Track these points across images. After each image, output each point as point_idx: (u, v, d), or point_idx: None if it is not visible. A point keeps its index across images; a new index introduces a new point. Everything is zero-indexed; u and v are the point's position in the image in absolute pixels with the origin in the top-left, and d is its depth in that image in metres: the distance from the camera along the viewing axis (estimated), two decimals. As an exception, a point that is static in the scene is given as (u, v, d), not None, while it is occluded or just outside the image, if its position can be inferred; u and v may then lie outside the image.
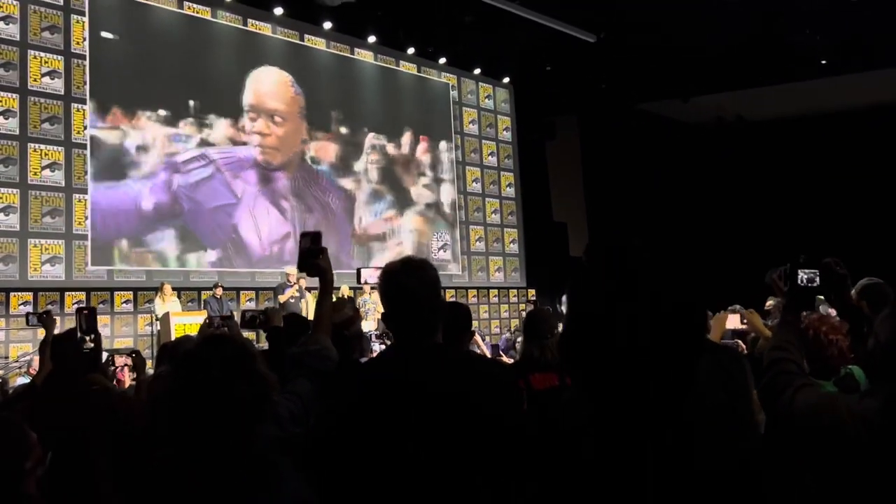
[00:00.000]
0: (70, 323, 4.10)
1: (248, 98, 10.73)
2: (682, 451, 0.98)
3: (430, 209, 12.96)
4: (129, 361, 3.83)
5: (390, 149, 12.53)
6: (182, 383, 1.44)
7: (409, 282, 1.66)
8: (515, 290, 14.06)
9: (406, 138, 12.78)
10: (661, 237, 12.43)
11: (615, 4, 10.61)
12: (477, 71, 14.03)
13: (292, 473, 1.42)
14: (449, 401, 1.52)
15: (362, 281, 2.92)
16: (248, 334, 8.06)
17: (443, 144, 13.36)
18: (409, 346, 1.67)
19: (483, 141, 14.19)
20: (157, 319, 8.76)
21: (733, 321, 3.28)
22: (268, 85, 11.03)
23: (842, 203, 13.21)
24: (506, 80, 14.61)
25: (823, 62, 12.16)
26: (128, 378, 4.31)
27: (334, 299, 2.17)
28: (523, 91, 14.68)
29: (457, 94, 13.82)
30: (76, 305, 8.37)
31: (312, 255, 2.02)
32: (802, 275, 1.72)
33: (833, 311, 2.38)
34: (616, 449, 1.01)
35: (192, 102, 10.09)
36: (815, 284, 1.72)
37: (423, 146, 13.01)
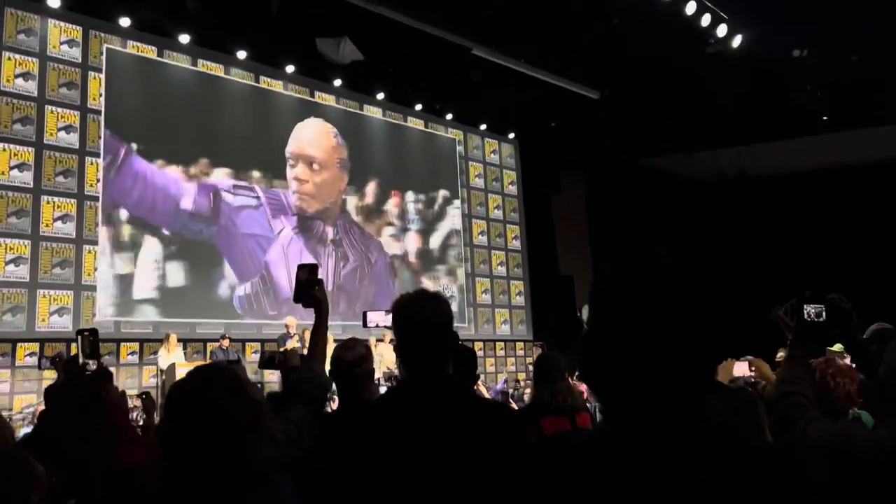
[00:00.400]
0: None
1: (289, 146, 11.25)
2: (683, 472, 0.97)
3: (419, 258, 13.03)
4: (139, 403, 3.83)
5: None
6: (176, 408, 1.46)
7: (423, 312, 1.69)
8: (522, 343, 13.99)
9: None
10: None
11: (618, 62, 10.86)
12: (483, 126, 14.30)
13: (292, 493, 1.43)
14: (462, 429, 1.53)
15: (369, 323, 2.93)
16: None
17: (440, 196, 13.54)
18: (422, 376, 1.69)
19: (489, 194, 14.36)
20: (161, 372, 8.73)
21: (741, 369, 3.26)
22: (309, 133, 11.49)
23: (845, 258, 13.20)
24: (511, 135, 14.87)
25: (825, 118, 12.35)
26: (140, 420, 4.29)
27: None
28: (529, 146, 14.92)
29: (463, 148, 14.04)
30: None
31: (309, 286, 2.06)
32: (809, 310, 1.73)
33: (848, 359, 2.37)
34: (618, 461, 1.00)
35: (204, 159, 10.29)
36: (822, 319, 1.73)
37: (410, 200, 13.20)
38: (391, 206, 12.59)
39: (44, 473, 1.73)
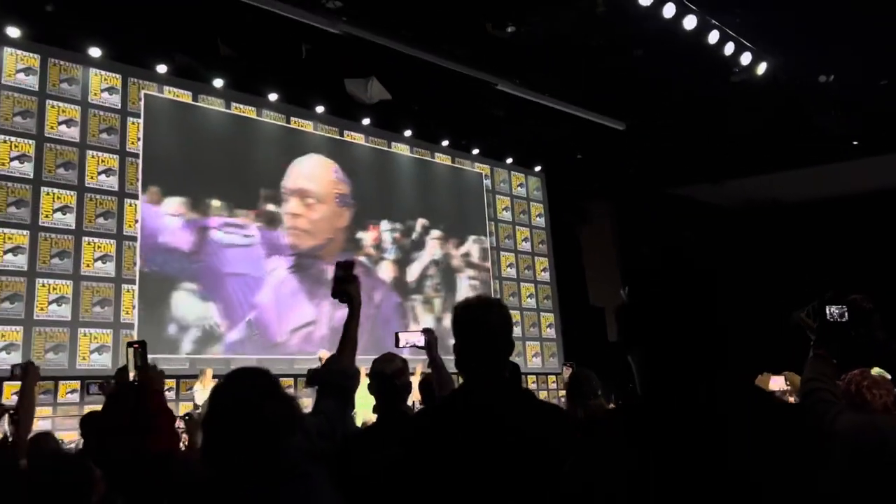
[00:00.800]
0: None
1: (285, 180, 11.18)
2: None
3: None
4: (182, 425, 3.96)
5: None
6: (215, 407, 1.56)
7: (486, 316, 1.74)
8: (554, 376, 13.88)
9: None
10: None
11: (642, 93, 10.96)
12: (509, 160, 14.45)
13: (326, 483, 1.49)
14: (520, 433, 1.58)
15: (402, 344, 3.00)
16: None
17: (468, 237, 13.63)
18: (482, 381, 1.73)
19: (517, 227, 14.44)
20: (196, 408, 8.85)
21: (777, 383, 3.26)
22: (307, 168, 11.49)
23: (879, 285, 12.93)
24: (538, 168, 14.99)
25: (855, 143, 12.27)
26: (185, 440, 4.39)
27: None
28: (555, 178, 15.01)
29: (490, 182, 14.19)
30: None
31: (344, 283, 2.14)
32: (832, 310, 1.77)
33: (888, 376, 2.37)
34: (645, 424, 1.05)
35: (232, 193, 10.55)
36: (844, 319, 1.77)
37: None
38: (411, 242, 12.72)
39: (100, 476, 1.83)
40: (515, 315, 13.78)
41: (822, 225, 14.05)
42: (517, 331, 13.61)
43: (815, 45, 9.28)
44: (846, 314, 1.78)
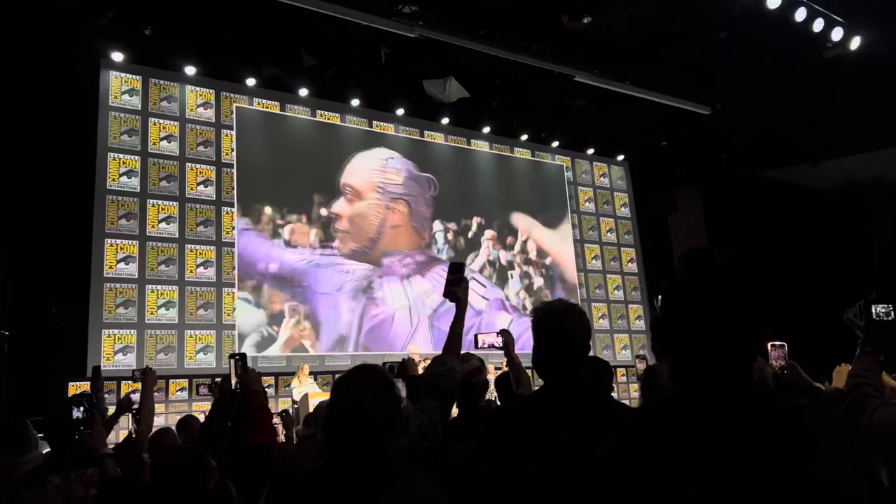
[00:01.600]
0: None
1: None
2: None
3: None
4: (279, 420, 4.31)
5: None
6: (334, 403, 1.74)
7: (568, 323, 1.84)
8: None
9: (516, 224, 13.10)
10: (794, 308, 11.77)
11: (728, 75, 10.60)
12: (590, 151, 14.28)
13: (421, 478, 1.63)
14: (596, 433, 1.66)
15: (480, 345, 3.11)
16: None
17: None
18: (560, 382, 1.83)
19: (601, 218, 14.26)
20: (294, 402, 9.27)
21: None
22: (360, 162, 11.50)
23: None
24: (620, 157, 14.74)
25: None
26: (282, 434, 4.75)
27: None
28: (640, 167, 14.72)
29: (571, 174, 14.08)
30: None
31: (453, 284, 2.29)
32: (878, 309, 1.81)
33: None
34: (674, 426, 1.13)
35: (317, 197, 10.96)
36: (890, 318, 1.80)
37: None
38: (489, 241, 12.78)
39: (215, 466, 2.08)
40: (602, 307, 13.73)
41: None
42: (604, 323, 13.49)
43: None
44: (892, 313, 1.83)
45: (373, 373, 1.76)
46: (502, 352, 3.07)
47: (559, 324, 1.86)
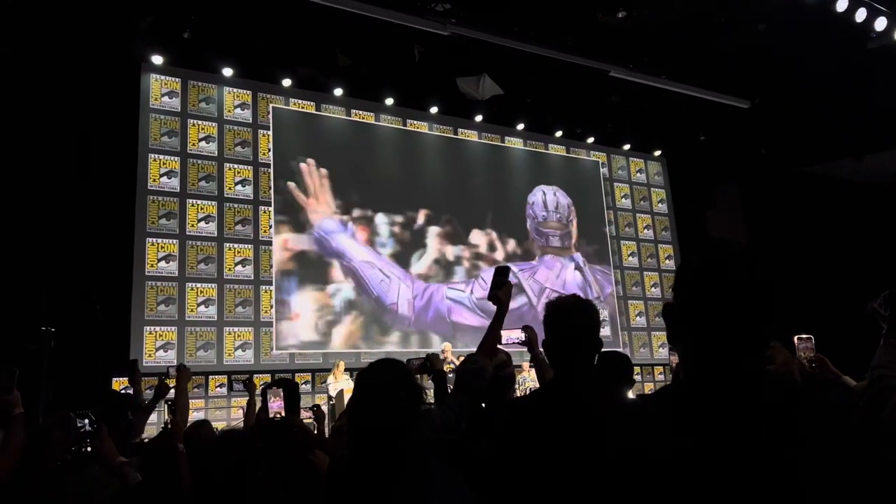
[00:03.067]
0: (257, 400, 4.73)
1: None
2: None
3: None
4: (311, 415, 4.44)
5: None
6: (356, 395, 1.80)
7: (569, 318, 1.87)
8: (682, 367, 13.45)
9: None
10: (839, 306, 11.49)
11: (768, 68, 10.39)
12: (627, 146, 14.13)
13: (442, 468, 1.65)
14: (601, 425, 1.67)
15: (504, 341, 3.12)
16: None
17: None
18: (568, 375, 1.85)
19: (637, 214, 14.11)
20: (330, 398, 9.39)
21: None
22: None
23: None
24: (657, 152, 14.55)
25: None
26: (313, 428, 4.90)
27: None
28: (677, 162, 14.51)
29: (607, 170, 13.95)
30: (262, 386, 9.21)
31: (498, 287, 2.33)
32: None
33: None
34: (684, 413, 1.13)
35: (356, 197, 11.07)
36: None
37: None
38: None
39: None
40: (639, 305, 13.58)
41: None
42: (641, 321, 13.34)
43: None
44: None
45: (393, 365, 1.80)
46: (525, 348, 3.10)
47: (561, 317, 1.90)
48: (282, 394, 3.44)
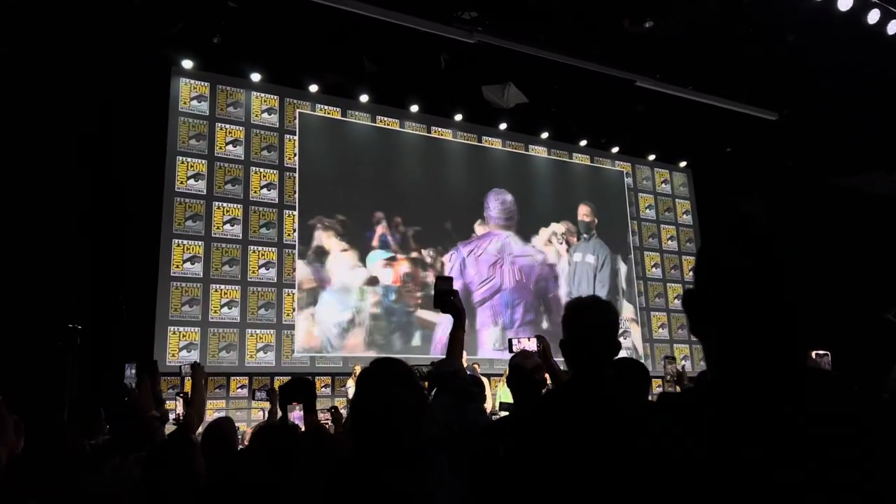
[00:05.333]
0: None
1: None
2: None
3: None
4: (329, 416, 4.50)
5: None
6: (358, 393, 1.79)
7: (583, 317, 1.87)
8: (704, 380, 13.29)
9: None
10: (864, 321, 11.28)
11: (796, 79, 10.28)
12: (652, 157, 14.05)
13: (448, 468, 1.66)
14: (618, 424, 1.66)
15: (516, 349, 3.12)
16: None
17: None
18: (585, 375, 1.85)
19: (661, 225, 14.00)
20: (349, 404, 9.42)
21: None
22: None
23: None
24: (683, 163, 14.45)
25: None
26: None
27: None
28: (703, 174, 14.39)
29: (632, 180, 13.87)
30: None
31: (447, 295, 2.34)
32: None
33: None
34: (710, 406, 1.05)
35: (378, 202, 11.13)
36: None
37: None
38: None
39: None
40: (661, 317, 13.46)
41: None
42: (664, 333, 13.21)
43: None
44: None
45: (395, 364, 1.81)
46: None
47: (580, 317, 1.89)
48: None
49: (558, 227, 12.72)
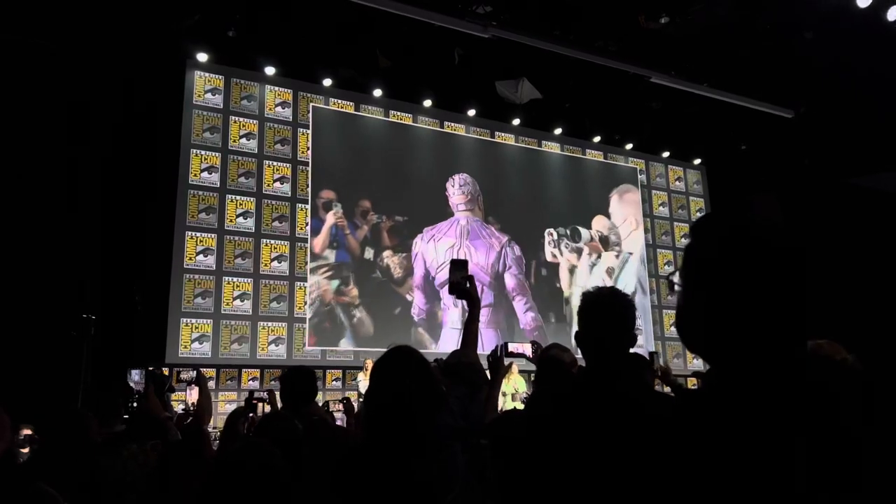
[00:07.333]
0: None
1: None
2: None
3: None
4: (342, 407, 4.57)
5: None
6: (374, 382, 1.78)
7: (593, 307, 1.86)
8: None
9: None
10: (881, 321, 11.17)
11: (814, 77, 10.18)
12: (666, 154, 13.96)
13: (460, 455, 1.66)
14: (636, 411, 1.64)
15: (511, 352, 3.08)
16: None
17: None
18: (601, 364, 1.85)
19: (675, 223, 13.93)
20: (360, 396, 9.45)
21: None
22: None
23: None
24: (697, 161, 14.35)
25: None
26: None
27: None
28: (717, 171, 14.29)
29: (645, 177, 13.80)
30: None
31: (463, 281, 2.30)
32: None
33: None
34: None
35: (390, 197, 11.13)
36: None
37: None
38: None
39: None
40: (674, 315, 13.34)
41: None
42: (675, 332, 13.13)
43: None
44: None
45: (410, 353, 1.81)
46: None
47: (594, 309, 1.89)
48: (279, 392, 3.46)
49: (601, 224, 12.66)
